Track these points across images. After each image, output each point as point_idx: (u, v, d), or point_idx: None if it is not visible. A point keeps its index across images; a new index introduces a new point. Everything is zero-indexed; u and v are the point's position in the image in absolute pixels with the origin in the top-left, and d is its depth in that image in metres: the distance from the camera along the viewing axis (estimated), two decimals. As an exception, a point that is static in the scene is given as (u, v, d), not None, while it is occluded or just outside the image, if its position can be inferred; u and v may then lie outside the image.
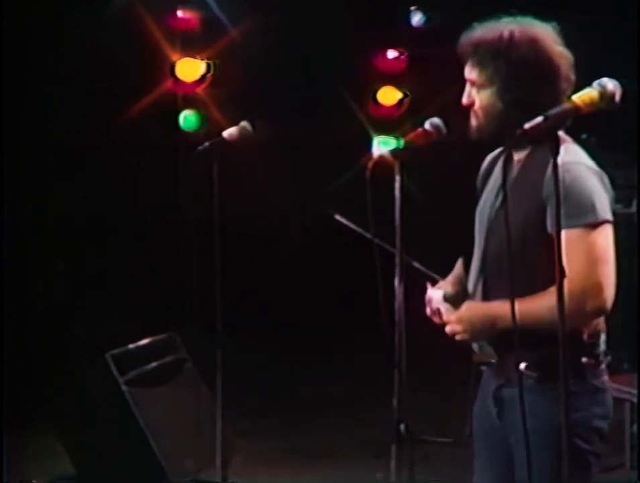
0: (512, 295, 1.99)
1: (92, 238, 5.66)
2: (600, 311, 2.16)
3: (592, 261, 2.13)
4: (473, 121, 2.30)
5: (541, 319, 2.06)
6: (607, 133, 5.13)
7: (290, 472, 4.46)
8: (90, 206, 5.67)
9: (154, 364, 4.00)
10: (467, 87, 2.32)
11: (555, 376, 2.04)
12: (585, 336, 2.21)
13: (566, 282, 2.03)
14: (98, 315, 5.46)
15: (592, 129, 4.94)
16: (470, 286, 2.34)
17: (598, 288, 2.12)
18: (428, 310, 2.37)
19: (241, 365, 5.06)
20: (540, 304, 2.09)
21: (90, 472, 3.77)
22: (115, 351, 3.85)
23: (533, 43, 2.24)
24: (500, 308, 2.15)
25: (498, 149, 2.44)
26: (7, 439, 3.92)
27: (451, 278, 2.42)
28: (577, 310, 2.08)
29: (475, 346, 2.34)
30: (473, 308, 2.25)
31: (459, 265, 2.45)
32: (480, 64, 2.27)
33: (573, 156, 2.22)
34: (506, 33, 2.25)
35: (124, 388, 3.70)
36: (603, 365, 2.26)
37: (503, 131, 2.23)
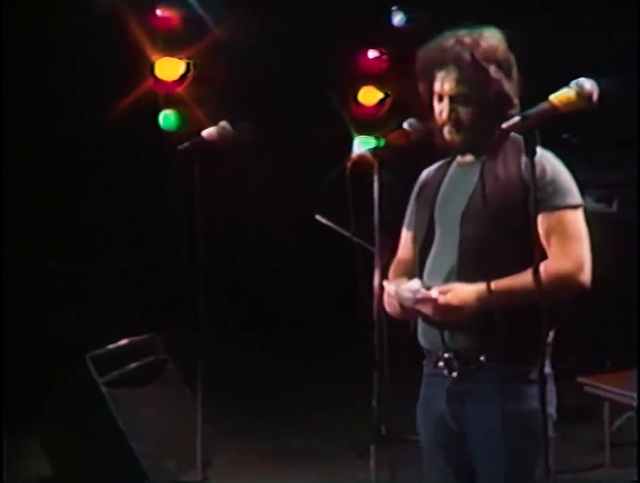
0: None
1: (71, 238, 5.63)
2: (583, 286, 2.23)
3: (576, 239, 2.23)
4: (455, 136, 2.28)
5: (527, 294, 2.09)
6: (588, 134, 5.17)
7: (275, 472, 4.46)
8: (69, 206, 5.64)
9: (134, 365, 3.98)
10: (447, 102, 2.28)
11: (516, 364, 2.14)
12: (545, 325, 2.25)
13: (553, 260, 2.19)
14: (78, 316, 5.43)
15: (573, 129, 4.99)
16: (430, 281, 2.32)
17: (582, 264, 2.22)
18: (397, 306, 2.32)
19: (225, 366, 5.07)
20: (527, 280, 2.11)
21: (69, 474, 3.75)
22: (95, 352, 3.83)
23: (506, 50, 2.28)
24: (485, 286, 2.19)
25: (438, 163, 2.46)
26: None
27: (398, 278, 2.40)
28: (564, 285, 2.20)
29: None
30: (464, 286, 2.24)
31: (394, 272, 2.45)
32: (471, 77, 2.24)
33: (542, 150, 2.26)
34: (489, 42, 2.25)
35: (103, 389, 3.68)
36: (549, 355, 2.30)
37: (481, 138, 2.27)
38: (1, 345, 4.61)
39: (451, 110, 2.28)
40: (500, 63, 2.25)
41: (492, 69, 2.23)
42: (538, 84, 2.29)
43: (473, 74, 2.24)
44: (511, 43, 2.30)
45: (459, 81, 2.26)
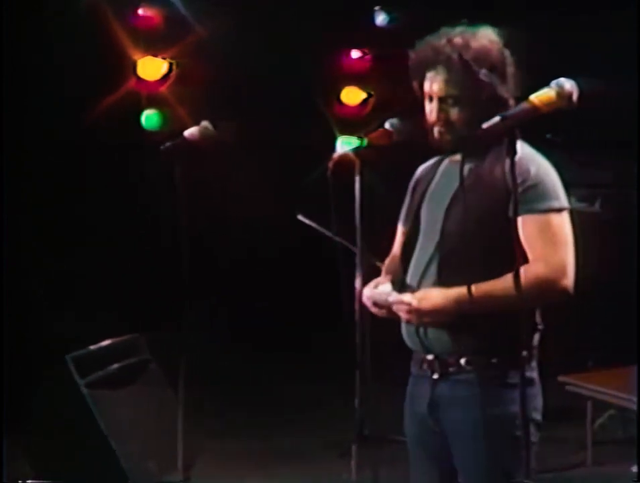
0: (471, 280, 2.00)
1: (52, 238, 5.59)
2: (565, 292, 2.21)
3: (559, 243, 2.21)
4: (446, 135, 2.28)
5: (507, 299, 2.05)
6: (571, 133, 5.19)
7: (257, 473, 4.45)
8: (51, 205, 5.61)
9: (117, 366, 3.96)
10: (436, 103, 2.27)
11: (497, 367, 2.15)
12: (526, 329, 2.23)
13: (533, 265, 2.17)
14: (59, 316, 5.39)
15: (556, 129, 5.01)
16: (412, 280, 2.33)
17: (564, 269, 2.19)
18: (373, 308, 2.33)
19: (209, 366, 5.05)
20: (507, 285, 2.05)
21: (50, 476, 3.72)
22: (76, 353, 3.80)
23: (499, 51, 2.25)
24: (464, 290, 2.17)
25: (434, 159, 2.45)
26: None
27: (385, 277, 2.40)
28: (545, 291, 2.18)
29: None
30: (444, 290, 2.23)
31: (386, 268, 2.45)
32: (460, 78, 2.23)
33: (530, 150, 2.28)
34: (480, 44, 2.23)
35: (84, 390, 3.66)
36: (535, 359, 2.30)
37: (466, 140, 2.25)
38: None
39: (440, 111, 2.27)
40: (493, 64, 2.23)
41: (483, 71, 2.21)
42: (530, 82, 2.29)
43: (462, 76, 2.22)
44: (507, 42, 2.29)
45: (448, 82, 2.25)
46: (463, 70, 2.21)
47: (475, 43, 2.23)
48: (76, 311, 5.42)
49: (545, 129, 5.17)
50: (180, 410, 3.29)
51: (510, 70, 2.26)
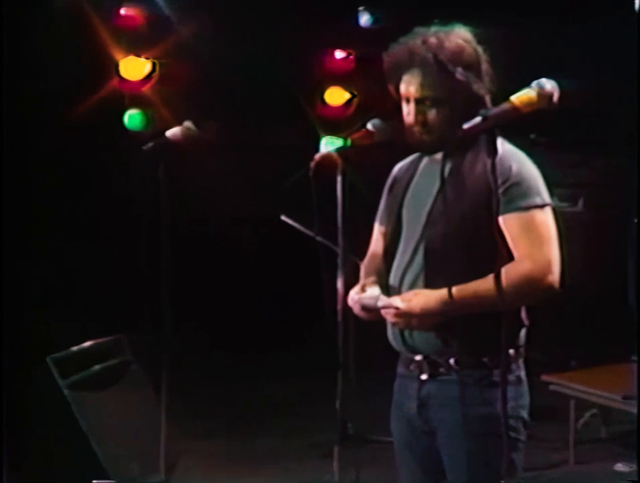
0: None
1: (34, 238, 5.56)
2: (552, 288, 2.20)
3: (543, 240, 2.20)
4: (426, 136, 2.27)
5: (493, 299, 2.00)
6: (556, 134, 5.22)
7: (240, 473, 4.44)
8: (33, 205, 5.58)
9: (98, 367, 3.94)
10: (413, 104, 2.26)
11: (484, 366, 2.15)
12: (512, 327, 2.24)
13: (518, 262, 2.16)
14: (41, 317, 5.36)
15: (540, 129, 5.03)
16: (395, 281, 2.33)
17: (549, 265, 2.19)
18: (363, 309, 2.32)
19: (191, 367, 5.03)
20: (493, 284, 2.00)
21: (31, 478, 3.70)
22: (57, 354, 3.77)
23: (473, 49, 2.26)
24: (450, 292, 2.17)
25: (411, 157, 2.45)
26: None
27: (370, 279, 2.38)
28: (531, 288, 2.17)
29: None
30: (430, 293, 2.22)
31: (366, 268, 2.44)
32: (436, 79, 2.22)
33: (510, 147, 2.28)
34: (454, 44, 2.23)
35: (66, 391, 3.63)
36: (522, 358, 2.31)
37: (447, 139, 2.24)
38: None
39: (418, 112, 2.26)
40: (468, 63, 2.22)
41: (459, 71, 2.20)
42: (507, 80, 2.29)
43: (438, 76, 2.22)
44: (482, 41, 2.29)
45: (424, 84, 2.24)
46: (439, 71, 2.21)
47: (449, 43, 2.23)
48: (57, 312, 5.40)
49: (529, 129, 5.21)
50: (162, 411, 3.28)
51: (485, 67, 2.26)
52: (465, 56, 2.23)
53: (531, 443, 4.24)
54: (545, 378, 4.50)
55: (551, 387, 4.50)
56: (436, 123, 2.25)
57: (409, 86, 2.27)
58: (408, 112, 2.28)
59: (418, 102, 2.26)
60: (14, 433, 3.87)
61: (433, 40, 2.23)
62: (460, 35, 2.26)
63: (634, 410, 4.27)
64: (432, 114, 2.25)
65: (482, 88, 2.23)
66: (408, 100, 2.28)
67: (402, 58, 2.26)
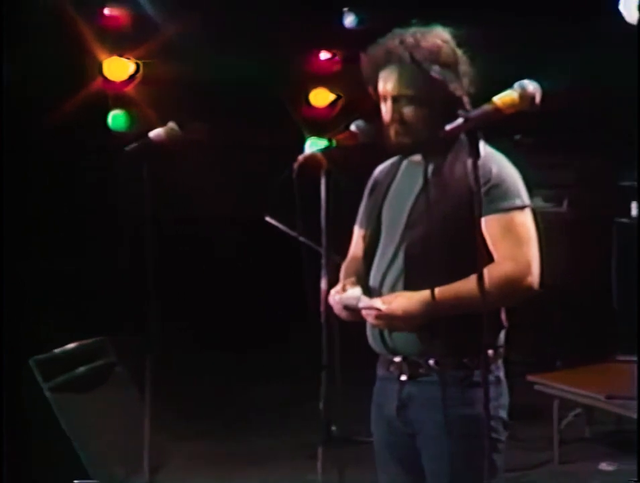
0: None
1: (16, 239, 5.52)
2: (532, 289, 2.21)
3: (523, 241, 2.21)
4: (403, 137, 2.28)
5: (474, 300, 2.00)
6: (540, 135, 5.24)
7: (224, 475, 4.43)
8: (16, 206, 5.54)
9: (82, 369, 3.92)
10: (390, 103, 2.28)
11: (464, 367, 2.16)
12: (492, 328, 2.25)
13: (498, 263, 2.17)
14: (23, 319, 5.33)
15: (524, 130, 5.05)
16: (375, 282, 2.33)
17: (529, 267, 2.20)
18: (343, 312, 2.32)
19: (176, 369, 5.02)
20: (474, 286, 1.99)
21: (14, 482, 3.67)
22: (40, 356, 3.75)
23: (451, 49, 2.27)
24: (431, 294, 2.16)
25: (391, 159, 2.45)
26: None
27: (350, 279, 2.38)
28: (511, 289, 2.18)
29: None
30: (411, 295, 2.23)
31: (346, 269, 2.45)
32: (412, 77, 2.24)
33: (490, 149, 2.28)
34: (430, 43, 2.24)
35: (48, 394, 3.61)
36: (501, 359, 2.31)
37: (425, 139, 2.25)
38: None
39: (394, 111, 2.27)
40: (445, 63, 2.23)
41: (435, 69, 2.22)
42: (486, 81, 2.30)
43: (414, 74, 2.23)
44: (462, 43, 2.30)
45: (400, 82, 2.26)
46: (415, 69, 2.22)
47: (425, 42, 2.24)
48: (40, 314, 5.36)
49: (513, 130, 5.22)
50: (147, 412, 3.26)
51: (464, 68, 2.27)
52: (442, 55, 2.24)
53: (516, 443, 4.29)
54: (529, 378, 4.52)
55: (536, 387, 4.52)
56: (413, 122, 2.26)
57: (386, 84, 2.28)
58: (386, 110, 2.29)
59: (395, 100, 2.28)
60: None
61: (410, 39, 2.25)
62: (438, 35, 2.28)
63: (618, 410, 4.31)
64: (408, 112, 2.26)
65: (460, 88, 2.25)
66: (385, 99, 2.30)
67: (379, 58, 2.29)
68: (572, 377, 4.55)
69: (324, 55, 6.66)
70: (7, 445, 3.80)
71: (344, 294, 2.29)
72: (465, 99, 2.25)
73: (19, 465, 3.73)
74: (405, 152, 2.35)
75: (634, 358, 4.72)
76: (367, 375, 2.50)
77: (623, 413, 4.32)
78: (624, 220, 5.13)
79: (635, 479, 3.48)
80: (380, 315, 2.21)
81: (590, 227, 5.44)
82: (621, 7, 4.69)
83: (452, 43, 2.27)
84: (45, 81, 5.39)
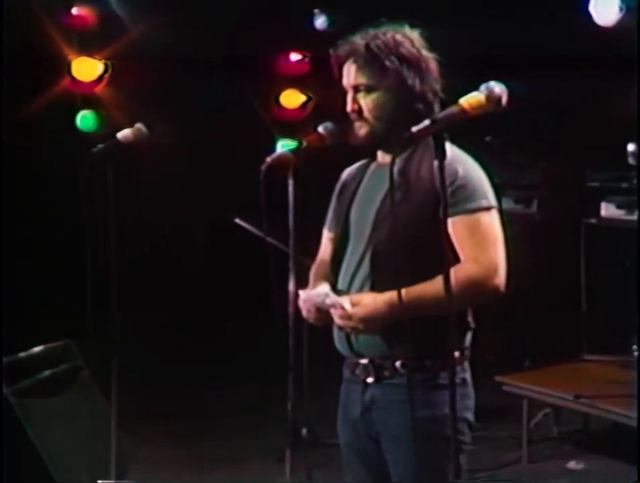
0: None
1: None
2: (499, 291, 2.21)
3: (489, 242, 2.22)
4: (362, 129, 2.30)
5: (440, 301, 1.97)
6: (509, 136, 5.26)
7: (192, 479, 4.40)
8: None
9: (47, 373, 3.86)
10: (351, 94, 2.31)
11: (428, 369, 2.16)
12: (458, 329, 2.25)
13: (464, 264, 2.17)
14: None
15: (495, 131, 5.07)
16: (343, 285, 2.33)
17: (496, 268, 2.20)
18: (312, 310, 2.31)
19: (141, 372, 4.98)
20: (439, 287, 1.97)
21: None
22: (3, 360, 3.69)
23: (413, 46, 2.29)
24: (396, 295, 2.14)
25: (359, 162, 2.47)
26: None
27: (318, 281, 2.37)
28: (477, 290, 2.18)
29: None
30: (376, 296, 2.22)
31: (315, 272, 2.44)
32: (367, 66, 2.27)
33: (456, 150, 2.29)
34: (389, 36, 2.28)
35: (12, 399, 3.55)
36: (467, 360, 2.31)
37: (392, 134, 2.25)
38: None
39: (354, 101, 2.30)
40: (404, 57, 2.26)
41: (391, 59, 2.24)
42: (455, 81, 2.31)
43: (368, 63, 2.27)
44: (434, 45, 2.32)
45: (357, 71, 2.29)
46: (370, 58, 2.26)
47: (384, 36, 2.28)
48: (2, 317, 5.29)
49: (483, 132, 5.24)
50: (113, 417, 3.23)
51: (431, 67, 2.29)
52: (402, 49, 2.27)
53: (485, 443, 4.30)
54: (498, 378, 4.54)
55: (505, 387, 4.54)
56: (371, 112, 2.28)
57: (347, 76, 2.32)
58: (347, 101, 2.31)
59: (355, 90, 2.31)
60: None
61: (371, 33, 2.29)
62: (401, 32, 2.31)
63: (586, 410, 4.34)
64: (368, 101, 2.28)
65: (421, 85, 2.26)
66: (348, 92, 2.33)
67: (343, 53, 2.32)
68: (540, 377, 4.58)
69: (294, 56, 6.65)
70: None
71: (312, 291, 2.28)
72: (431, 98, 2.26)
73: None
74: (366, 145, 2.35)
75: (602, 358, 4.78)
76: (335, 376, 2.49)
77: (591, 412, 4.36)
78: (592, 221, 5.17)
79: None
80: (345, 315, 2.20)
81: (559, 228, 5.47)
82: (591, 8, 4.72)
83: (417, 42, 2.30)
84: (13, 80, 5.33)
